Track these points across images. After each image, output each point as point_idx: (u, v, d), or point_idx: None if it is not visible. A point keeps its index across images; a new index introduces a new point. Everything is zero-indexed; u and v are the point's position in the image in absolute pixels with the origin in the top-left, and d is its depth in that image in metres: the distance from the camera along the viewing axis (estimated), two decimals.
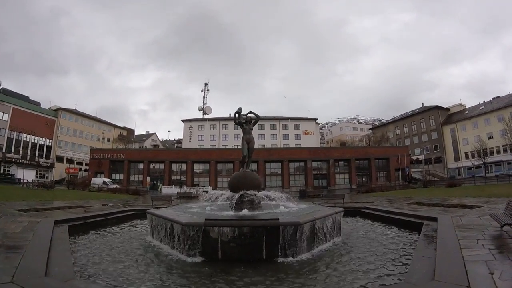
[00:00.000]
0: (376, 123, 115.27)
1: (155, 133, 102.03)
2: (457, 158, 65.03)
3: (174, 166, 57.85)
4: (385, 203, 18.56)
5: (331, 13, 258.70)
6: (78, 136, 71.53)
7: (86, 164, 63.77)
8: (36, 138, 61.11)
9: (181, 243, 7.12)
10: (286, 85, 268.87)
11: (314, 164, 57.68)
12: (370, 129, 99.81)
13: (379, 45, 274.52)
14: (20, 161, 55.46)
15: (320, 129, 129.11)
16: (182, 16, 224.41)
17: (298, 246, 6.84)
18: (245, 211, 9.09)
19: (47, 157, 63.02)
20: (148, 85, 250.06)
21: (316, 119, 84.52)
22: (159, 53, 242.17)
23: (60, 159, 65.53)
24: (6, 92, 60.11)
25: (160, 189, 49.88)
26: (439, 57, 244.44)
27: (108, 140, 77.81)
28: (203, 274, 5.83)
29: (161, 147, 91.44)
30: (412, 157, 65.74)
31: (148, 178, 56.30)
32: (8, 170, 52.98)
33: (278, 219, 7.03)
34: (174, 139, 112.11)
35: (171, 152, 66.97)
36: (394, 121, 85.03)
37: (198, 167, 58.23)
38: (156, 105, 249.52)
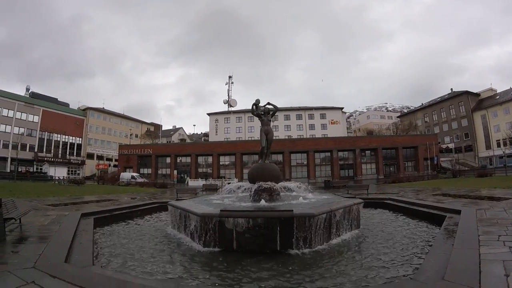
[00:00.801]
0: (405, 111, 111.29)
1: (181, 128, 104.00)
2: (488, 147, 61.74)
3: (200, 159, 58.81)
4: (410, 194, 18.05)
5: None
6: (107, 133, 74.60)
7: (116, 160, 66.35)
8: (67, 137, 64.90)
9: (198, 234, 7.29)
10: (309, 75, 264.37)
11: (340, 154, 56.55)
12: (398, 117, 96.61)
13: (403, 29, 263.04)
14: (52, 159, 59.22)
15: (348, 118, 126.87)
16: (201, 13, 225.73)
17: (312, 238, 6.77)
18: (262, 202, 9.11)
19: (78, 154, 66.43)
20: (173, 82, 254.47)
21: (342, 108, 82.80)
22: (181, 51, 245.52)
23: (90, 156, 68.71)
24: (35, 96, 64.12)
25: (187, 182, 50.88)
26: (466, 40, 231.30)
27: (136, 136, 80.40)
28: (216, 264, 5.95)
29: (188, 141, 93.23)
30: (441, 146, 63.11)
31: (175, 172, 57.58)
32: (41, 169, 56.37)
33: (292, 210, 6.98)
34: (201, 133, 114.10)
35: (197, 145, 68.12)
36: (422, 108, 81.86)
37: (224, 160, 58.72)
38: (182, 101, 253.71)
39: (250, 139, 68.33)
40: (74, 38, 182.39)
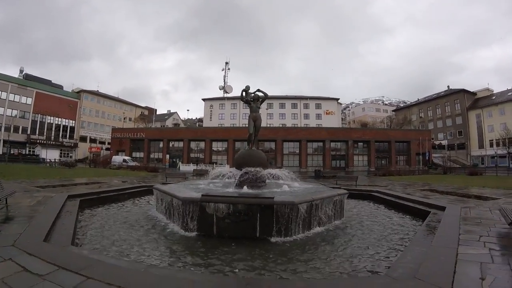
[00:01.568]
0: (401, 105, 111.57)
1: (176, 112, 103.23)
2: (481, 146, 62.26)
3: (193, 144, 58.63)
4: (399, 188, 18.20)
5: None
6: (100, 116, 73.87)
7: (108, 143, 65.90)
8: (60, 119, 64.13)
9: (180, 218, 7.36)
10: (307, 65, 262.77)
11: (333, 144, 56.71)
12: (393, 110, 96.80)
13: (404, 25, 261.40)
14: (45, 142, 58.67)
15: (344, 109, 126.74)
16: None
17: (292, 226, 6.83)
18: (245, 189, 9.15)
19: (71, 137, 65.89)
20: (170, 66, 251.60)
21: (338, 99, 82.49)
22: (179, 36, 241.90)
23: (83, 139, 68.22)
24: (28, 77, 63.03)
25: (179, 167, 50.82)
26: (467, 39, 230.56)
27: (130, 119, 79.76)
28: (194, 248, 6.05)
29: (182, 125, 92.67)
30: (434, 142, 63.65)
31: (167, 156, 57.48)
32: (34, 151, 56.05)
33: (273, 198, 7.03)
34: (196, 118, 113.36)
35: (190, 130, 67.81)
36: (417, 104, 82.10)
37: (216, 146, 58.56)
38: (178, 86, 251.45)
39: (244, 126, 68.09)
40: (71, 20, 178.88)
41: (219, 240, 6.48)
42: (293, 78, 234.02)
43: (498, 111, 60.04)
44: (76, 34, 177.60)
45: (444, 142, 64.79)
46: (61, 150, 61.22)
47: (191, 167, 44.51)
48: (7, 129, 49.73)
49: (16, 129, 54.66)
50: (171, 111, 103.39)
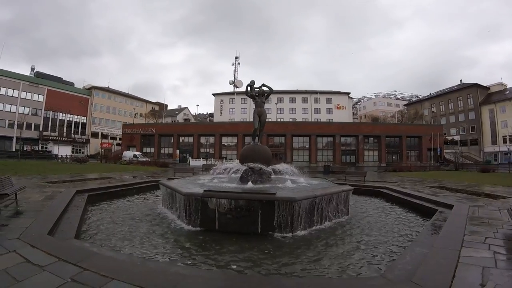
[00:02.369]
0: (413, 99, 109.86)
1: (187, 107, 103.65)
2: (494, 142, 60.65)
3: (203, 139, 58.93)
4: (408, 184, 17.93)
5: None
6: (111, 112, 74.94)
7: (119, 139, 66.80)
8: (71, 116, 65.45)
9: (183, 212, 7.45)
10: (317, 59, 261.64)
11: (343, 139, 56.28)
12: (404, 105, 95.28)
13: (414, 18, 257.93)
14: (57, 138, 60.03)
15: (356, 104, 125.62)
16: None
17: (294, 222, 6.81)
18: (249, 184, 9.15)
19: (83, 133, 67.18)
20: (179, 61, 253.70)
21: (349, 93, 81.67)
22: (187, 31, 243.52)
23: (95, 134, 69.39)
24: (40, 75, 64.30)
25: (189, 162, 51.25)
26: (479, 33, 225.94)
27: (141, 115, 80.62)
28: (195, 242, 6.15)
29: (192, 120, 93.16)
30: (446, 137, 62.51)
31: (177, 151, 58.06)
32: (46, 147, 57.30)
33: (275, 193, 7.03)
34: (207, 113, 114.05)
35: (200, 125, 68.17)
36: (429, 98, 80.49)
37: (226, 140, 58.73)
38: (188, 81, 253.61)
39: None
40: (81, 17, 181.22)
41: (221, 235, 6.54)
42: (303, 72, 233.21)
43: (511, 106, 58.46)
44: (86, 31, 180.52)
45: (457, 138, 63.56)
46: (73, 146, 62.41)
47: (200, 162, 44.81)
48: (20, 126, 50.88)
49: (28, 126, 56.04)
50: (182, 106, 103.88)
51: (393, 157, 55.02)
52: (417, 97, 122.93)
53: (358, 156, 54.94)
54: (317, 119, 72.71)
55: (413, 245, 5.53)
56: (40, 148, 56.83)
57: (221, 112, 79.10)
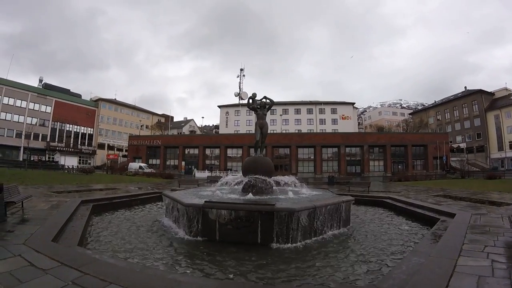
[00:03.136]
0: (419, 108, 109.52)
1: (192, 119, 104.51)
2: (500, 148, 59.77)
3: (208, 151, 59.37)
4: (412, 194, 17.90)
5: None
6: (118, 124, 75.82)
7: (126, 150, 67.41)
8: (78, 127, 66.37)
9: (184, 223, 7.60)
10: (321, 70, 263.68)
11: (348, 149, 56.10)
12: (410, 114, 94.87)
13: (417, 26, 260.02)
14: (64, 149, 60.86)
15: (362, 113, 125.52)
16: (213, 7, 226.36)
17: (293, 233, 6.86)
18: (250, 195, 9.27)
19: (89, 144, 67.96)
20: (185, 74, 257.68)
21: (354, 103, 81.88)
22: (193, 44, 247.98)
23: (101, 146, 70.12)
24: (48, 87, 65.41)
25: (194, 174, 51.45)
26: (482, 38, 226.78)
27: (147, 127, 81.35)
28: (196, 252, 6.26)
29: (198, 132, 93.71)
30: (452, 145, 61.93)
31: (183, 163, 58.47)
32: (53, 158, 58.12)
33: (274, 204, 7.11)
34: (213, 125, 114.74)
35: (205, 137, 68.59)
36: (434, 106, 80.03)
37: (231, 152, 59.04)
38: (194, 93, 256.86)
39: None
40: (89, 31, 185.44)
41: (221, 245, 6.64)
42: (308, 83, 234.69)
43: None
44: (94, 44, 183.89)
45: (463, 145, 62.87)
46: (79, 157, 63.10)
47: (206, 174, 45.03)
48: (27, 136, 51.71)
49: (36, 137, 56.71)
50: (188, 118, 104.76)
51: (399, 166, 54.57)
52: (423, 105, 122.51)
53: (363, 166, 54.66)
54: (322, 129, 72.74)
55: (411, 254, 5.53)
56: (47, 159, 57.65)
57: (226, 124, 79.55)
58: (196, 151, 59.08)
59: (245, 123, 77.18)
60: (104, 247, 6.44)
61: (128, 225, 8.76)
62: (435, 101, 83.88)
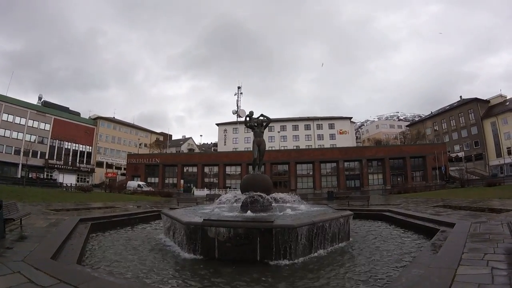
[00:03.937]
0: (416, 119, 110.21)
1: (191, 138, 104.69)
2: (499, 155, 59.76)
3: (207, 169, 59.34)
4: (412, 206, 17.86)
5: (356, 11, 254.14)
6: (117, 142, 75.83)
7: (124, 169, 67.14)
8: (77, 145, 66.38)
9: (183, 241, 7.59)
10: (317, 86, 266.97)
11: (346, 164, 56.16)
12: (407, 126, 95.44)
13: (410, 39, 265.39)
14: (62, 166, 60.63)
15: (359, 127, 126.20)
16: (209, 27, 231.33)
17: (293, 250, 6.85)
18: (249, 213, 9.29)
19: (88, 162, 67.75)
20: (184, 93, 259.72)
21: (351, 117, 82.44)
22: (190, 64, 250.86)
23: (100, 164, 69.89)
24: (47, 104, 65.83)
25: (193, 192, 51.25)
26: (474, 48, 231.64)
27: (145, 145, 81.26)
28: (195, 270, 6.24)
29: (197, 151, 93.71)
30: (451, 155, 61.92)
31: (182, 181, 58.26)
32: (51, 175, 57.88)
33: (272, 221, 7.12)
34: (211, 143, 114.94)
35: (204, 155, 68.65)
36: (431, 117, 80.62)
37: (230, 170, 59.00)
38: (192, 111, 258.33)
39: None
40: (89, 51, 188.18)
41: (220, 263, 6.62)
42: (305, 100, 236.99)
43: None
44: (94, 64, 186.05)
45: (461, 154, 62.84)
46: (78, 175, 62.92)
47: (204, 192, 44.83)
48: (26, 153, 51.71)
49: (34, 154, 56.57)
50: (186, 137, 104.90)
51: (398, 178, 54.54)
52: (420, 116, 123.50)
53: (362, 180, 54.60)
54: (321, 145, 72.92)
55: (410, 266, 5.53)
56: (45, 176, 57.37)
57: (225, 142, 79.75)
58: (194, 169, 59.09)
59: (244, 141, 77.19)
60: (103, 265, 6.44)
61: (127, 244, 8.73)
62: (431, 112, 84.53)
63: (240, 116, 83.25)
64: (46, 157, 60.28)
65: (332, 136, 76.84)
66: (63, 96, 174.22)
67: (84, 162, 67.15)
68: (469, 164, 59.78)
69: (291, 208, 10.47)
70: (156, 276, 5.79)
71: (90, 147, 69.19)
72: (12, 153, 55.50)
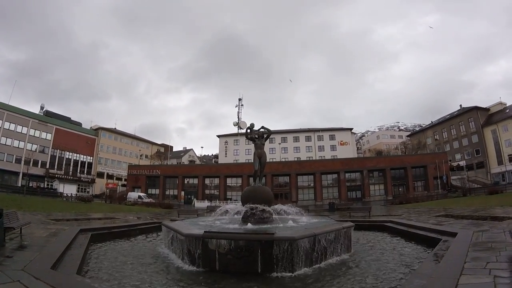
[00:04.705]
0: (417, 129, 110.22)
1: (192, 149, 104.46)
2: (500, 162, 59.17)
3: (208, 181, 59.13)
4: (413, 216, 17.79)
5: (354, 24, 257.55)
6: (118, 153, 75.84)
7: (125, 180, 66.99)
8: (78, 155, 66.35)
9: (184, 253, 7.55)
10: (316, 97, 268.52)
11: (348, 175, 56.01)
12: (407, 136, 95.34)
13: (408, 50, 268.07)
14: (63, 176, 60.26)
15: (360, 138, 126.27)
16: (209, 40, 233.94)
17: (294, 262, 6.80)
18: (249, 225, 9.26)
19: (88, 173, 67.63)
20: (184, 105, 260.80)
21: (352, 128, 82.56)
22: (191, 76, 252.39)
23: (100, 174, 69.71)
24: (49, 114, 66.08)
25: (194, 203, 51.08)
26: (472, 57, 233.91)
27: (146, 156, 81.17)
28: (195, 282, 6.18)
29: (197, 162, 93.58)
30: (452, 164, 61.72)
31: (182, 193, 58.08)
32: (52, 185, 57.72)
33: (273, 233, 7.09)
34: (212, 154, 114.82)
35: (204, 167, 68.59)
36: (431, 126, 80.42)
37: (230, 181, 58.87)
38: (193, 123, 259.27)
39: None
40: (92, 63, 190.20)
41: (221, 275, 6.57)
42: (304, 111, 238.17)
43: None
44: (96, 75, 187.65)
45: (462, 163, 62.44)
46: (78, 185, 62.71)
47: (205, 204, 44.74)
48: (27, 162, 51.72)
49: (35, 163, 56.62)
50: (187, 148, 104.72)
51: (400, 189, 54.24)
52: (420, 126, 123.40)
53: (364, 191, 54.31)
54: (322, 156, 72.72)
55: (412, 277, 5.51)
56: (45, 186, 57.19)
57: (226, 154, 79.61)
58: (195, 180, 58.94)
59: (244, 152, 76.97)
60: (103, 276, 6.41)
61: (127, 255, 8.69)
62: (431, 121, 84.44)
63: (241, 128, 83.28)
64: (47, 166, 60.21)
65: (333, 147, 76.67)
66: (65, 106, 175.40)
67: (85, 172, 67.02)
68: (470, 172, 59.57)
69: (292, 220, 10.44)
70: (156, 287, 5.76)
71: (91, 158, 69.17)
72: (13, 161, 55.42)
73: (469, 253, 6.45)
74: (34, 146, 58.65)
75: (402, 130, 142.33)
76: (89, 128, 73.46)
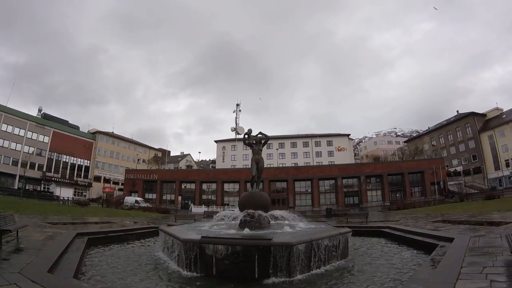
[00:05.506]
0: (414, 135, 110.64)
1: (189, 154, 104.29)
2: (497, 167, 59.44)
3: (205, 186, 58.93)
4: (410, 222, 17.83)
5: (351, 31, 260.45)
6: (115, 157, 75.59)
7: (122, 184, 66.69)
8: (75, 159, 66.08)
9: (181, 258, 7.51)
10: (314, 103, 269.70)
11: (345, 181, 56.18)
12: (404, 142, 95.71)
13: (404, 57, 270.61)
14: (60, 180, 60.01)
15: (357, 144, 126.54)
16: (207, 47, 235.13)
17: (291, 267, 6.81)
18: (247, 230, 9.23)
19: (85, 176, 67.31)
20: (182, 110, 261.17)
21: (349, 134, 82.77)
22: (188, 82, 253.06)
23: (97, 178, 69.41)
24: (46, 117, 66.02)
25: (191, 209, 50.93)
26: (468, 63, 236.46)
27: (144, 161, 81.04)
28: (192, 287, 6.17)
29: (195, 167, 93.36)
30: (449, 169, 61.92)
31: (179, 198, 57.93)
32: (48, 188, 57.28)
33: (270, 239, 7.10)
34: (209, 160, 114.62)
35: (202, 172, 68.48)
36: (428, 132, 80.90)
37: (228, 187, 58.75)
38: (190, 128, 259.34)
39: None
40: (90, 67, 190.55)
41: (218, 281, 6.57)
42: (302, 117, 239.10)
43: (510, 129, 57.72)
44: (95, 80, 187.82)
45: (459, 168, 62.81)
46: (75, 188, 62.40)
47: (202, 209, 44.63)
48: (24, 165, 51.48)
49: (32, 166, 56.34)
50: (184, 153, 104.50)
51: (397, 194, 54.30)
52: (417, 132, 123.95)
53: (361, 197, 54.40)
54: (319, 162, 72.92)
55: (409, 282, 5.52)
56: (42, 188, 56.77)
57: (223, 159, 79.67)
58: (193, 185, 58.91)
59: (242, 158, 76.81)
60: (100, 281, 6.39)
61: (124, 259, 8.67)
62: (428, 127, 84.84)
63: (238, 133, 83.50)
64: (44, 169, 59.93)
65: (330, 153, 76.97)
66: (63, 109, 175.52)
67: (82, 176, 66.72)
68: (467, 178, 59.89)
69: (289, 226, 10.47)
70: None
71: (88, 161, 68.91)
72: (10, 164, 55.09)
73: (466, 258, 6.50)
74: (31, 149, 58.38)
75: (399, 136, 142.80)
76: (86, 132, 73.33)
